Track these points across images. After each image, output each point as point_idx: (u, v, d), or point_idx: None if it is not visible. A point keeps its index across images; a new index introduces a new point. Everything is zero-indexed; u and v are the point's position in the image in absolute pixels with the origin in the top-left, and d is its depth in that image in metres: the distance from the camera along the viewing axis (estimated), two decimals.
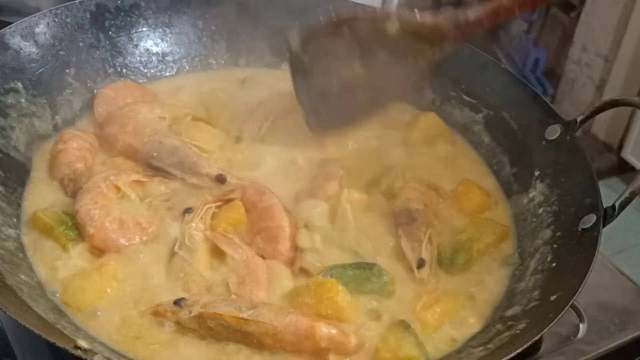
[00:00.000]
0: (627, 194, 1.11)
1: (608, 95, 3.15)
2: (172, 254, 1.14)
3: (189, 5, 1.53)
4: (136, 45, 1.49)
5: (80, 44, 1.41)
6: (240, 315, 1.00)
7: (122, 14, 1.46)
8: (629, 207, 1.12)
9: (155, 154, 1.27)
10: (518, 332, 1.04)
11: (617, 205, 1.12)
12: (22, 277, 1.05)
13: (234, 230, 1.18)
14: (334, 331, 1.01)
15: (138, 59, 1.50)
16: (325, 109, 1.35)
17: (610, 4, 3.01)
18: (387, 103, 1.39)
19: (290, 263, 1.15)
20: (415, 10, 1.23)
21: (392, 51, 1.25)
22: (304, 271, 1.13)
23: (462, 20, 1.20)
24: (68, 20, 1.38)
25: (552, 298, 1.06)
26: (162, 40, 1.52)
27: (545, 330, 0.98)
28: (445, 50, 1.24)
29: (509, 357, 0.95)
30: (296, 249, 1.16)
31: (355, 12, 1.28)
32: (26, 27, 1.32)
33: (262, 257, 1.14)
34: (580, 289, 1.02)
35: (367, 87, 1.30)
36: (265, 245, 1.16)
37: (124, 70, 1.48)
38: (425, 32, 1.23)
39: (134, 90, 1.45)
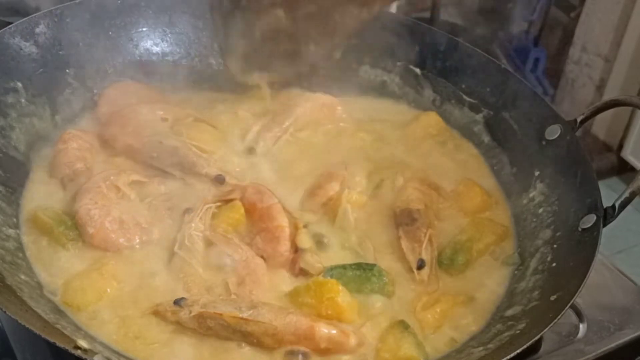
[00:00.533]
0: (627, 194, 1.11)
1: (608, 95, 3.15)
2: (172, 254, 1.14)
3: (189, 5, 1.53)
4: (136, 45, 1.49)
5: (80, 44, 1.41)
6: (240, 315, 1.00)
7: (122, 14, 1.46)
8: (629, 207, 1.12)
9: (155, 154, 1.27)
10: (518, 332, 1.04)
11: (617, 205, 1.12)
12: (22, 277, 1.05)
13: (234, 230, 1.18)
14: (333, 331, 1.01)
15: (138, 59, 1.50)
16: (246, 53, 1.30)
17: (610, 4, 3.01)
18: (307, 56, 1.35)
19: (291, 263, 1.15)
20: None
21: (318, 4, 1.22)
22: (304, 271, 1.13)
23: None
24: (68, 20, 1.38)
25: (552, 298, 1.06)
26: (162, 40, 1.52)
27: (545, 330, 0.98)
28: (373, 10, 1.22)
29: (509, 357, 0.95)
30: (296, 249, 1.16)
31: None
32: (26, 27, 1.32)
33: (262, 257, 1.14)
34: (580, 289, 1.02)
35: (289, 38, 1.27)
36: (265, 246, 1.16)
37: (124, 70, 1.48)
38: None
39: (138, 91, 1.44)
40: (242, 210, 1.20)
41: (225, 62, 1.30)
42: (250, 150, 1.37)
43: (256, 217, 1.19)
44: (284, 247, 1.16)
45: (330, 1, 1.22)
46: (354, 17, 1.22)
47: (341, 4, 1.22)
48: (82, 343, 0.93)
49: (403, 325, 1.07)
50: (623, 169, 3.15)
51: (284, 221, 1.18)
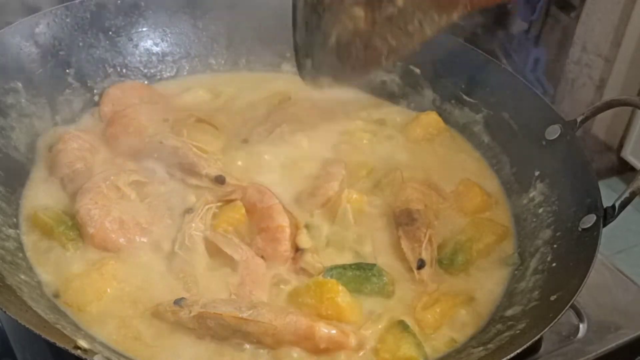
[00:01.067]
0: (627, 194, 1.11)
1: (608, 95, 3.15)
2: (172, 254, 1.14)
3: (189, 5, 1.53)
4: (136, 45, 1.49)
5: (80, 44, 1.41)
6: (240, 315, 1.00)
7: (122, 14, 1.46)
8: (629, 207, 1.12)
9: (155, 155, 1.27)
10: (518, 332, 1.04)
11: (617, 205, 1.12)
12: (22, 277, 1.06)
13: (234, 230, 1.18)
14: (333, 331, 1.01)
15: (138, 59, 1.50)
16: (319, 58, 1.30)
17: (610, 4, 3.01)
18: (378, 64, 1.35)
19: (291, 264, 1.15)
20: None
21: (399, 9, 1.22)
22: (304, 272, 1.13)
23: None
24: (68, 20, 1.38)
25: (552, 298, 1.06)
26: (162, 40, 1.52)
27: (545, 330, 0.98)
28: (452, 18, 1.22)
29: (509, 357, 0.95)
30: (296, 249, 1.16)
31: None
32: (26, 27, 1.32)
33: (262, 257, 1.14)
34: (580, 289, 1.02)
35: (364, 44, 1.26)
36: (265, 246, 1.16)
37: (124, 70, 1.48)
38: None
39: (141, 91, 1.45)
40: (243, 211, 1.20)
41: (299, 63, 1.28)
42: (244, 141, 1.37)
43: (256, 217, 1.19)
44: (284, 247, 1.15)
45: (412, 3, 1.21)
46: (433, 24, 1.22)
47: (422, 8, 1.21)
48: (82, 343, 0.93)
49: (403, 325, 1.07)
50: (623, 169, 3.15)
51: (284, 221, 1.17)
